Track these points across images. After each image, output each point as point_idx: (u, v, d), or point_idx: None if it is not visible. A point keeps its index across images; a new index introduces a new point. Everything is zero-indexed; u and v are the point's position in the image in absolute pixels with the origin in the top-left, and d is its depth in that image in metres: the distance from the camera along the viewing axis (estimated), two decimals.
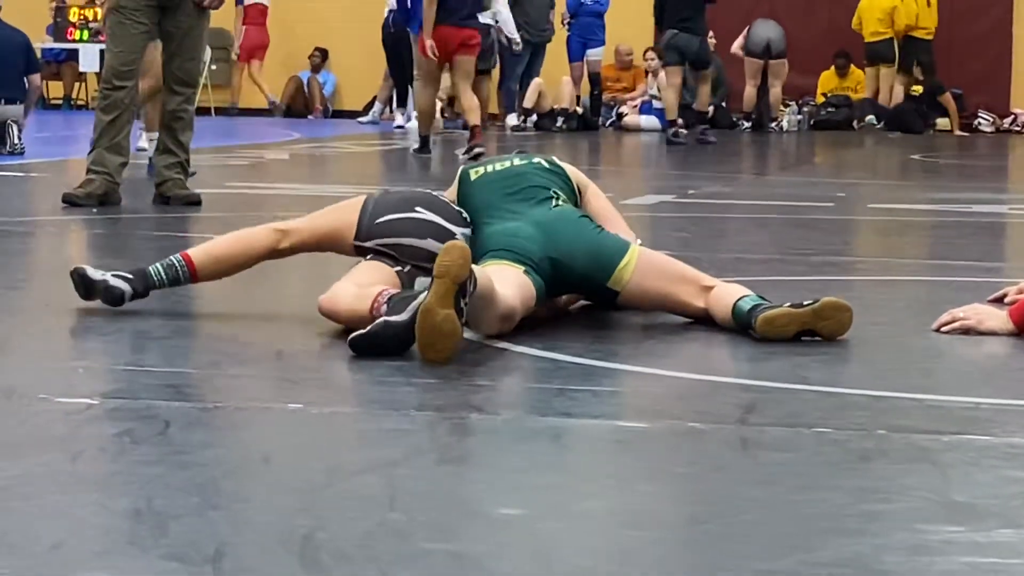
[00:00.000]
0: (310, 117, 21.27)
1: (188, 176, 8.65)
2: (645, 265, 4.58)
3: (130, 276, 4.70)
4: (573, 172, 4.93)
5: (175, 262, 4.70)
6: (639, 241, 4.77)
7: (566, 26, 19.47)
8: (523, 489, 2.92)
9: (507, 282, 4.34)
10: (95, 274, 4.72)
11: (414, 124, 18.27)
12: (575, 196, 4.84)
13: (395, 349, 4.06)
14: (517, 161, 4.90)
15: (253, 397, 3.71)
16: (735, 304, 4.45)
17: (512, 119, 19.52)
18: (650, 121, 19.33)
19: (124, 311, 4.67)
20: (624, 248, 4.59)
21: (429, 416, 3.50)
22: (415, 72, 13.47)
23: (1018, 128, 20.22)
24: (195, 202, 8.43)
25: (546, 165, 4.89)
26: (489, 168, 4.88)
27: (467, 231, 4.69)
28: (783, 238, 7.73)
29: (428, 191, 4.87)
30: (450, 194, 4.88)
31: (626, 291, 4.56)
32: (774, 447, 3.27)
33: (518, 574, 2.42)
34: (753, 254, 6.83)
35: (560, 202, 4.73)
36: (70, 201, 8.11)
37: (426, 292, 4.02)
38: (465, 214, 4.74)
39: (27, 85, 12.52)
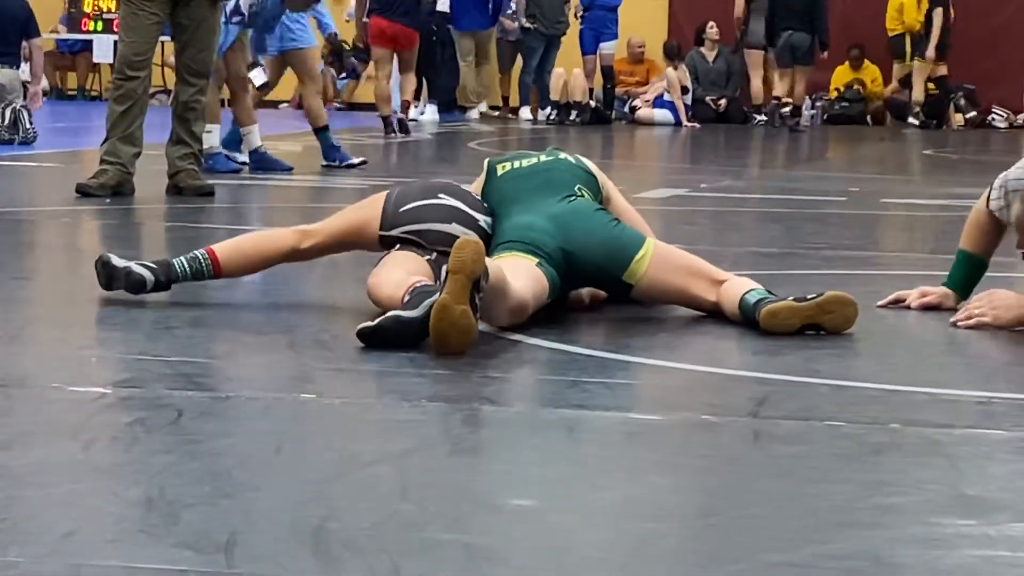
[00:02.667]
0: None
1: (202, 166, 8.67)
2: (660, 259, 4.58)
3: (154, 266, 4.70)
4: (598, 172, 4.92)
5: (199, 256, 4.72)
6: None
7: (579, 19, 19.46)
8: (536, 481, 2.92)
9: (519, 274, 4.34)
10: (119, 262, 4.71)
11: (427, 116, 18.38)
12: (599, 195, 4.84)
13: (403, 343, 4.06)
14: (544, 157, 4.90)
15: (265, 387, 3.71)
16: (742, 297, 4.46)
17: (526, 112, 19.55)
18: (663, 114, 19.32)
19: (137, 301, 4.67)
20: (640, 241, 4.58)
21: (441, 407, 3.49)
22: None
23: None
24: (208, 192, 8.44)
25: (573, 162, 4.89)
26: (516, 164, 4.88)
27: (488, 219, 4.70)
28: (796, 232, 7.71)
29: (450, 181, 4.87)
30: (475, 187, 4.88)
31: (640, 284, 4.55)
32: (787, 440, 3.27)
33: (530, 565, 2.42)
34: (766, 248, 6.82)
35: (583, 196, 4.72)
36: (83, 191, 8.12)
37: (440, 288, 4.02)
38: (485, 204, 4.74)
39: (29, 50, 12.52)
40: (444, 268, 4.03)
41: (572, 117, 19.07)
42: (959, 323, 4.54)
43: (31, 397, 3.52)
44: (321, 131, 11.04)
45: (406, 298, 4.17)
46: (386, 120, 15.01)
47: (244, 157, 10.57)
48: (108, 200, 7.99)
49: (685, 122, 18.92)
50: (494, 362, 3.98)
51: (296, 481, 2.86)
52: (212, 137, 9.99)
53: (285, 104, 20.99)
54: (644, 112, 19.50)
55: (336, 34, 14.32)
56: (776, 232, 7.81)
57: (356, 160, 11.07)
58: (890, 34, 20.06)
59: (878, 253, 6.71)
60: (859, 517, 2.68)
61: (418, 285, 4.23)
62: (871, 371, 4.06)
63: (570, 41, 19.38)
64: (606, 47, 19.44)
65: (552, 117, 19.16)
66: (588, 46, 19.44)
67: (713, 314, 4.57)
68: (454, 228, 4.60)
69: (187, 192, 8.38)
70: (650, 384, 4.00)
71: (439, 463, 3.03)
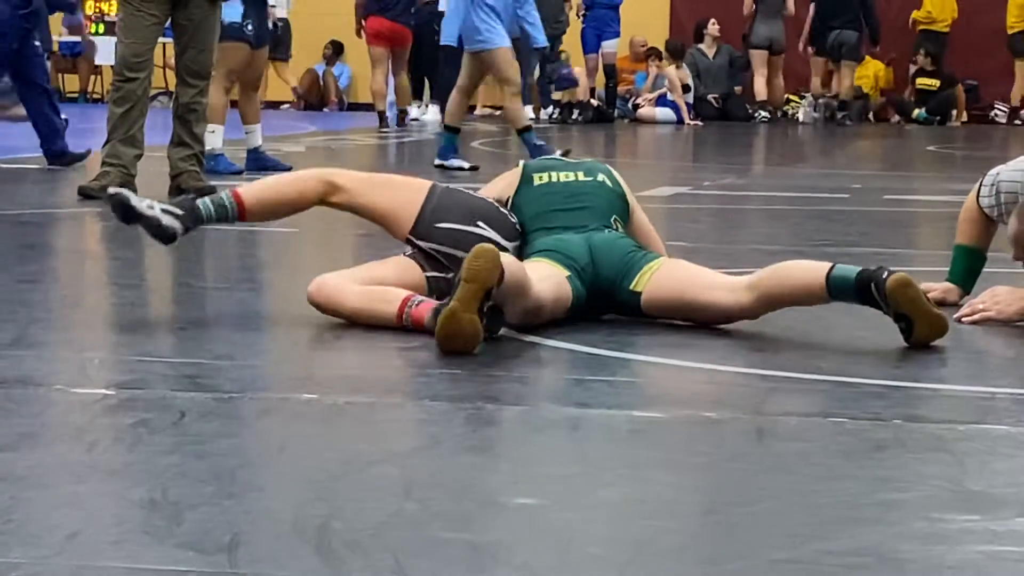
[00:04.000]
0: (326, 110, 21.27)
1: (204, 168, 8.67)
2: (669, 268, 4.51)
3: (180, 212, 4.56)
4: (629, 191, 4.86)
5: (225, 200, 4.60)
6: None
7: (580, 18, 19.47)
8: (539, 479, 2.92)
9: (544, 279, 4.31)
10: (140, 205, 4.53)
11: (430, 116, 18.39)
12: (628, 213, 4.80)
13: None
14: (583, 176, 4.80)
15: (268, 387, 3.71)
16: (830, 274, 4.23)
17: (528, 111, 19.53)
18: (665, 113, 19.32)
19: (138, 302, 4.67)
20: (653, 257, 4.56)
21: (445, 406, 3.49)
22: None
23: None
24: (210, 193, 8.42)
25: (609, 185, 4.80)
26: (554, 176, 4.79)
27: (517, 244, 4.67)
28: (799, 229, 7.71)
29: (489, 200, 4.76)
30: (502, 188, 4.81)
31: (648, 291, 4.46)
32: (790, 437, 3.27)
33: (534, 563, 2.42)
34: (770, 245, 6.81)
35: (616, 228, 4.68)
36: (86, 194, 8.12)
37: (451, 294, 4.01)
38: (518, 226, 4.70)
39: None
40: (457, 274, 4.02)
41: (574, 116, 19.08)
42: (963, 319, 4.54)
43: (35, 398, 3.52)
44: (522, 132, 10.63)
45: (425, 316, 4.15)
46: (381, 115, 16.05)
47: (460, 162, 10.53)
48: None
49: (687, 120, 18.92)
50: (497, 361, 3.98)
51: (299, 481, 2.86)
52: (215, 138, 10.00)
53: (287, 105, 21.00)
54: (646, 111, 19.51)
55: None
56: (779, 229, 7.81)
57: (559, 153, 10.74)
58: (1009, 31, 19.95)
59: (881, 249, 6.69)
60: (862, 513, 2.68)
61: (434, 305, 4.19)
62: (873, 367, 4.05)
63: (572, 40, 19.38)
64: (608, 45, 19.44)
65: (555, 116, 19.18)
66: (590, 45, 19.45)
67: (730, 320, 4.46)
68: None
69: (189, 193, 8.37)
70: (653, 382, 4.00)
71: (443, 462, 3.03)
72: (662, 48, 19.97)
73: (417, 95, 18.81)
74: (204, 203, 4.59)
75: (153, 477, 2.83)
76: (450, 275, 4.45)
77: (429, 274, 4.56)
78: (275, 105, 20.92)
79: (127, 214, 4.52)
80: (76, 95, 21.93)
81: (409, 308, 4.25)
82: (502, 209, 4.73)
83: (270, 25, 10.39)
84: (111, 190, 4.61)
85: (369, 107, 20.80)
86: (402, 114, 16.59)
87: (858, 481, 2.90)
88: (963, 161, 13.84)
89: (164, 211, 4.54)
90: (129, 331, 4.38)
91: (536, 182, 4.78)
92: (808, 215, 8.44)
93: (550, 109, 19.31)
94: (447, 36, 11.39)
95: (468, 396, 3.61)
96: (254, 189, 4.68)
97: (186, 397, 3.49)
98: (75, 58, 21.82)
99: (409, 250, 4.63)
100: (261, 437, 3.25)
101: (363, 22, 16.55)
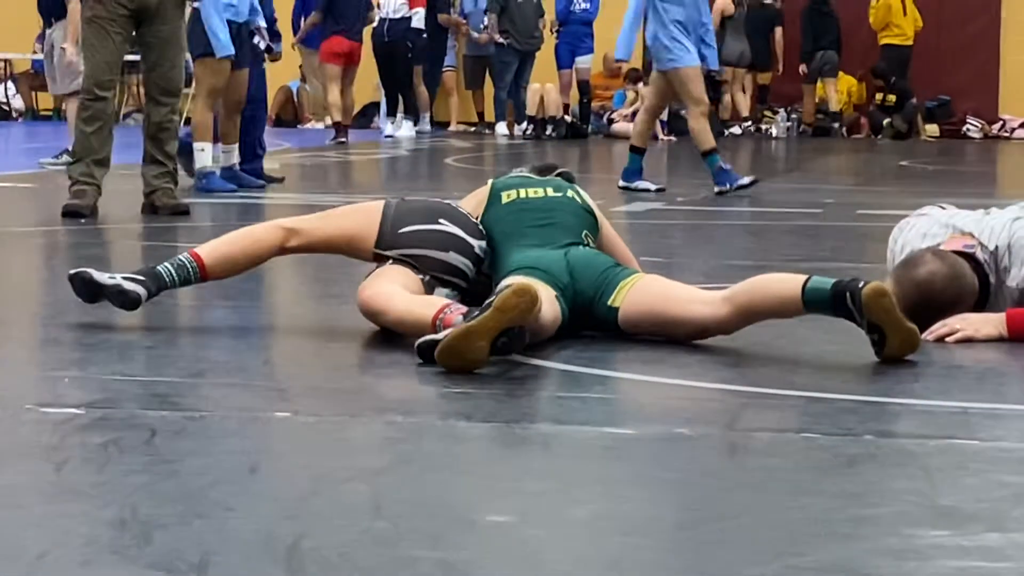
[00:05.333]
0: (299, 127, 21.26)
1: (177, 184, 8.65)
2: (647, 281, 4.51)
3: (142, 278, 4.59)
4: (597, 209, 4.87)
5: (185, 262, 4.63)
6: None
7: (555, 34, 19.50)
8: (512, 496, 2.91)
9: (544, 301, 4.28)
10: (102, 277, 4.59)
11: (404, 132, 18.39)
12: (598, 232, 4.79)
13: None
14: (552, 191, 4.80)
15: (239, 406, 3.70)
16: (806, 287, 4.20)
17: (502, 128, 19.56)
18: None
19: (109, 321, 4.66)
20: (630, 273, 4.56)
21: (416, 423, 3.49)
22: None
23: (1006, 134, 20.26)
24: (183, 211, 8.41)
25: (579, 201, 4.80)
26: (523, 193, 4.79)
27: (483, 243, 4.67)
28: (772, 244, 7.72)
29: (446, 201, 4.82)
30: (471, 205, 4.81)
31: (625, 306, 4.44)
32: (762, 452, 3.27)
33: None
34: (743, 260, 6.83)
35: (587, 244, 4.68)
36: (74, 213, 8.03)
37: (478, 313, 3.96)
38: (480, 227, 4.70)
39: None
40: (492, 298, 3.99)
41: (548, 132, 19.10)
42: (940, 338, 4.52)
43: (4, 418, 3.50)
44: (707, 155, 10.47)
45: (456, 319, 4.12)
46: (338, 125, 17.04)
47: (646, 184, 10.47)
48: (83, 220, 7.97)
49: (662, 136, 18.95)
50: (468, 378, 3.97)
51: (270, 500, 2.85)
52: (205, 156, 9.97)
53: None
54: (620, 126, 19.53)
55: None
56: (752, 244, 7.82)
57: (746, 180, 10.46)
58: None
59: (854, 264, 6.70)
60: (834, 529, 2.68)
61: (466, 309, 4.16)
62: (845, 383, 4.06)
63: (546, 56, 19.40)
64: (581, 61, 19.47)
65: (528, 132, 19.20)
66: (564, 61, 19.48)
67: (707, 333, 4.45)
68: (451, 256, 4.59)
69: (162, 211, 8.36)
70: (625, 398, 4.00)
71: (414, 479, 3.03)
72: (638, 66, 20.00)
73: (391, 111, 18.81)
74: (164, 267, 4.64)
75: (123, 497, 2.82)
76: (426, 278, 4.51)
77: (420, 277, 4.57)
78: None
79: (91, 289, 4.60)
80: (49, 112, 21.88)
81: (444, 315, 4.21)
82: (461, 209, 4.76)
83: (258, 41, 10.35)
84: (73, 271, 4.67)
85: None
86: (342, 129, 17.22)
87: (830, 497, 2.90)
88: (935, 176, 13.87)
89: (125, 278, 4.60)
90: (99, 350, 4.36)
91: (504, 200, 4.77)
92: (781, 230, 8.46)
93: (524, 125, 19.33)
94: (621, 52, 11.12)
95: (439, 413, 3.61)
96: (213, 248, 4.70)
97: (156, 416, 3.48)
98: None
99: (374, 266, 4.63)
100: (231, 456, 3.23)
101: (299, 39, 17.89)
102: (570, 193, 4.83)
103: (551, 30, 19.49)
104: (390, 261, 4.61)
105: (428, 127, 19.30)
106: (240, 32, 9.97)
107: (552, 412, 3.63)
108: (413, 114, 18.87)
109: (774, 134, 20.03)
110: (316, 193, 10.53)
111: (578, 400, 3.75)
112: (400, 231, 4.63)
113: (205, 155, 9.96)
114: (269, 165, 11.04)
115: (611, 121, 19.75)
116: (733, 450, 3.27)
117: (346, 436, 3.42)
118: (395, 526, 2.66)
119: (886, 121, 20.03)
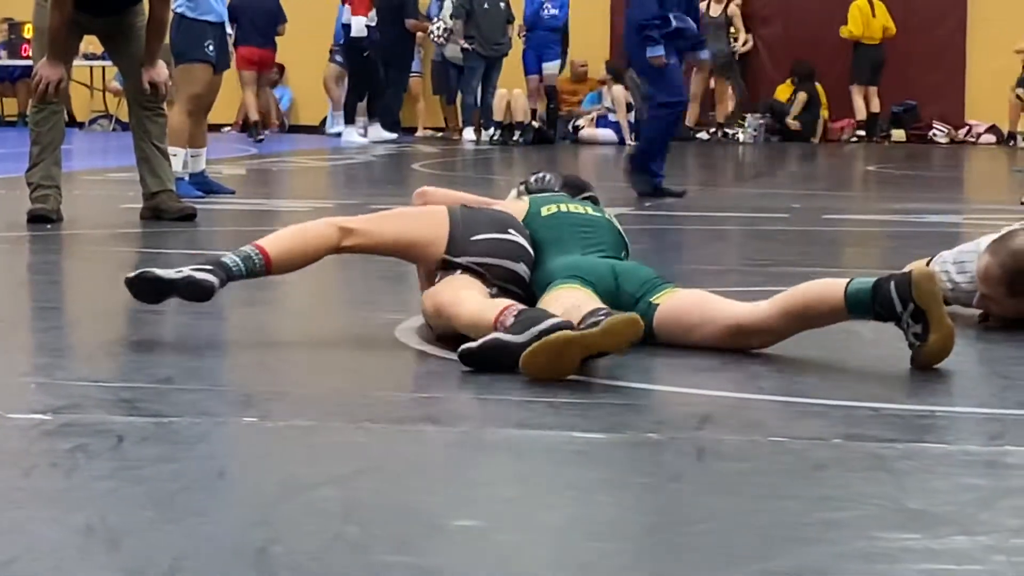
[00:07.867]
0: (267, 132, 21.23)
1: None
2: (693, 290, 4.57)
3: (211, 267, 4.47)
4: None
5: (251, 254, 4.53)
6: None
7: (522, 39, 19.51)
8: (481, 501, 2.91)
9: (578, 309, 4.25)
10: (168, 273, 4.46)
11: (371, 136, 18.45)
12: (628, 257, 4.84)
13: (502, 367, 4.00)
14: (591, 210, 4.87)
15: (207, 411, 3.69)
16: (848, 289, 4.20)
17: (469, 133, 19.56)
18: (606, 134, 19.38)
19: (75, 328, 4.64)
20: (675, 285, 4.59)
21: (385, 428, 3.48)
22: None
23: (972, 139, 20.35)
24: (191, 215, 8.38)
25: (615, 224, 4.87)
26: (562, 207, 4.83)
27: (533, 254, 4.69)
28: (739, 249, 7.74)
29: (502, 210, 4.79)
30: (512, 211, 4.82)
31: (665, 302, 4.46)
32: (731, 457, 3.27)
33: None
34: (710, 265, 6.84)
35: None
36: (41, 217, 8.01)
37: (576, 326, 3.97)
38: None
39: None
40: (597, 315, 3.99)
41: (515, 137, 19.10)
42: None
43: None
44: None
45: (509, 320, 4.10)
46: (256, 124, 18.74)
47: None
48: (48, 226, 7.94)
49: (629, 141, 18.97)
50: (438, 382, 3.96)
51: (239, 505, 2.84)
52: (176, 161, 9.91)
53: (228, 128, 20.93)
54: (587, 132, 19.56)
55: None
56: (720, 249, 7.84)
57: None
58: None
59: (821, 268, 6.72)
60: (804, 533, 2.69)
61: (523, 308, 4.16)
62: (814, 387, 4.07)
63: (512, 61, 19.41)
64: (548, 67, 19.49)
65: (495, 137, 19.20)
66: (530, 66, 19.49)
67: (742, 341, 4.42)
68: (520, 267, 4.59)
69: (167, 215, 8.33)
70: (594, 402, 4.00)
71: (383, 485, 3.02)
72: (602, 69, 20.04)
73: (349, 119, 18.83)
74: (230, 258, 4.52)
75: (91, 503, 2.81)
76: (493, 290, 4.48)
77: (491, 291, 4.53)
78: (216, 128, 20.84)
79: (158, 287, 4.45)
80: (15, 119, 21.79)
81: (509, 316, 4.18)
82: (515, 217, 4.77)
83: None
84: (133, 273, 4.50)
85: (311, 128, 20.88)
86: (258, 127, 18.78)
87: (799, 500, 2.91)
88: (900, 180, 13.92)
89: (194, 270, 4.47)
90: (66, 356, 4.35)
91: (544, 212, 4.80)
92: (749, 235, 8.48)
93: (491, 130, 19.33)
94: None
95: (409, 418, 3.60)
96: (276, 242, 4.58)
97: (124, 421, 3.47)
98: (14, 82, 21.70)
99: (438, 275, 4.58)
100: (200, 461, 3.23)
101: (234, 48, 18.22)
102: (606, 214, 4.90)
103: (519, 35, 19.50)
104: (459, 271, 4.56)
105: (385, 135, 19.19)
106: (221, 35, 9.97)
107: (521, 416, 3.63)
108: (381, 118, 18.87)
109: (741, 139, 20.08)
110: (281, 199, 10.50)
111: (547, 404, 3.75)
112: (472, 238, 4.58)
113: (176, 160, 9.92)
114: (234, 171, 11.01)
115: (577, 128, 19.76)
116: (702, 454, 3.27)
117: (315, 441, 3.42)
118: (365, 531, 2.66)
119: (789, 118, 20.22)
